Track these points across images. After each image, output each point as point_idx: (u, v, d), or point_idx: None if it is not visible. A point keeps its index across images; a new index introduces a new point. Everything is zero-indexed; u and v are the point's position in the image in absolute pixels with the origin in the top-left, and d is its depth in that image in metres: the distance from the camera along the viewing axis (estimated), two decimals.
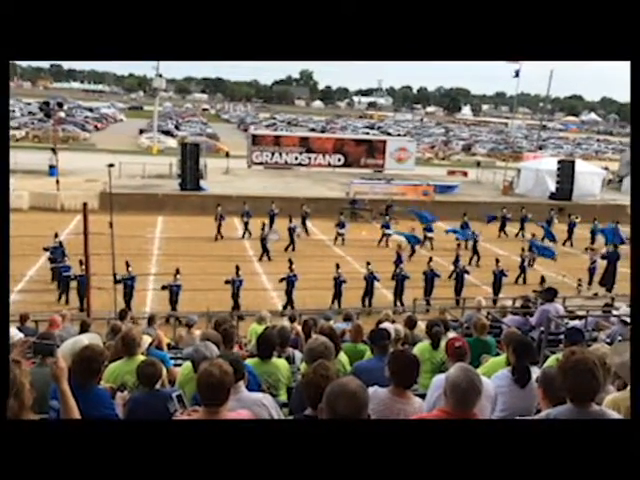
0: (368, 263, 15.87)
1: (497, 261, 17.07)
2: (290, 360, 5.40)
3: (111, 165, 15.17)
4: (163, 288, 14.08)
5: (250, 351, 6.49)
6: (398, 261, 16.76)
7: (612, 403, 2.88)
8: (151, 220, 23.41)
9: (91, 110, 70.55)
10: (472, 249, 20.14)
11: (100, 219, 14.83)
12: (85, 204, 13.22)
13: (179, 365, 5.39)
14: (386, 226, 21.75)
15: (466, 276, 16.79)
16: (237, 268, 14.75)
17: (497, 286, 16.60)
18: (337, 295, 15.33)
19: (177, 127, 59.71)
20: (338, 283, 15.31)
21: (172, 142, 43.56)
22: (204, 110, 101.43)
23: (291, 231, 20.36)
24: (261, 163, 33.82)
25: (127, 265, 13.79)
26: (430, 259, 16.79)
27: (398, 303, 15.76)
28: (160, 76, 42.29)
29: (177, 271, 14.26)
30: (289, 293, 15.09)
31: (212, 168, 30.30)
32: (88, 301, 13.18)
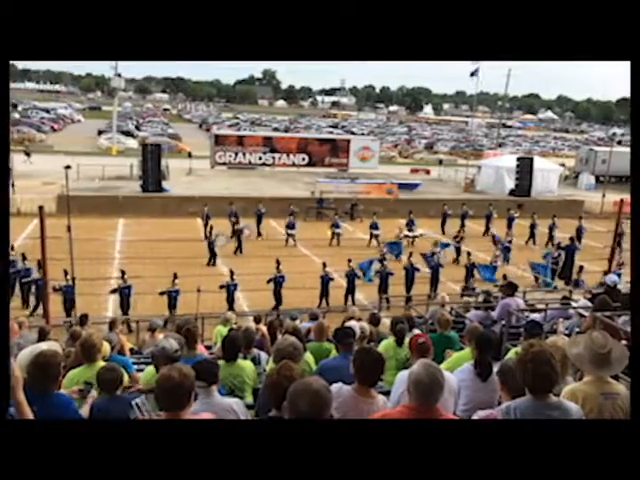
0: (349, 260, 16.09)
1: (469, 254, 17.85)
2: (256, 361, 5.35)
3: (68, 167, 14.75)
4: (161, 294, 13.80)
5: (215, 353, 6.41)
6: (383, 258, 17.11)
7: (570, 394, 2.95)
8: (111, 223, 22.90)
9: (47, 111, 68.52)
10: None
11: (58, 222, 14.41)
12: (41, 207, 12.80)
13: (142, 370, 5.28)
14: (336, 225, 21.85)
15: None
16: (231, 272, 14.65)
17: (468, 279, 17.16)
18: (324, 293, 15.47)
19: (137, 127, 58.66)
20: (325, 281, 15.48)
21: (132, 143, 42.77)
22: (165, 110, 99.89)
23: (238, 233, 19.97)
24: (224, 163, 33.51)
25: (65, 274, 13.41)
26: (410, 254, 17.06)
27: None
28: (119, 75, 41.47)
29: (175, 276, 14.06)
30: (277, 294, 15.01)
31: (174, 169, 29.88)
32: (46, 307, 12.79)
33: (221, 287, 14.57)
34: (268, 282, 15.05)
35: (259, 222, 22.21)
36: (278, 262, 15.29)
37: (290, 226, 21.33)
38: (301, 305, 13.68)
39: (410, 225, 22.17)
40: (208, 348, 7.62)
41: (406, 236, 21.38)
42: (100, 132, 51.04)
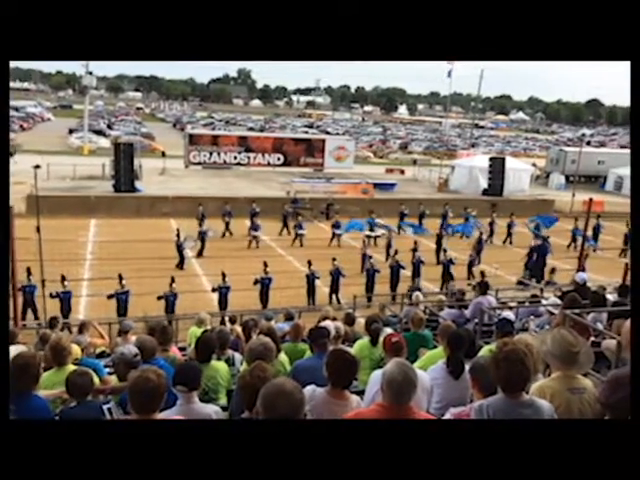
0: (334, 259, 16.17)
1: (445, 250, 18.23)
2: (230, 362, 5.32)
3: (37, 166, 14.43)
4: (159, 298, 13.48)
5: (189, 355, 6.35)
6: (366, 256, 17.27)
7: (539, 390, 2.99)
8: (83, 223, 22.48)
9: (16, 109, 66.79)
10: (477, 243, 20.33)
11: (28, 223, 14.07)
12: (10, 208, 12.48)
13: (113, 373, 5.19)
14: (336, 225, 21.81)
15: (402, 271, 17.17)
16: (223, 275, 14.40)
17: (445, 274, 17.40)
18: (311, 292, 15.51)
19: (110, 126, 57.73)
20: (311, 280, 15.49)
21: (104, 142, 42.07)
22: (138, 109, 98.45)
23: (202, 235, 19.55)
24: (199, 163, 33.22)
25: (28, 273, 13.10)
26: (396, 252, 17.16)
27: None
28: (90, 74, 40.74)
29: (172, 279, 13.84)
30: (263, 295, 14.85)
31: (148, 168, 29.49)
32: (15, 310, 12.48)
33: (213, 290, 14.38)
34: (255, 283, 14.87)
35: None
36: (265, 264, 15.13)
37: (254, 228, 20.94)
38: (283, 305, 13.59)
39: (371, 225, 22.13)
40: (182, 350, 7.55)
41: (367, 236, 21.21)
42: (71, 131, 50.14)
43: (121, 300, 13.33)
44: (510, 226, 23.45)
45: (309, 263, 15.75)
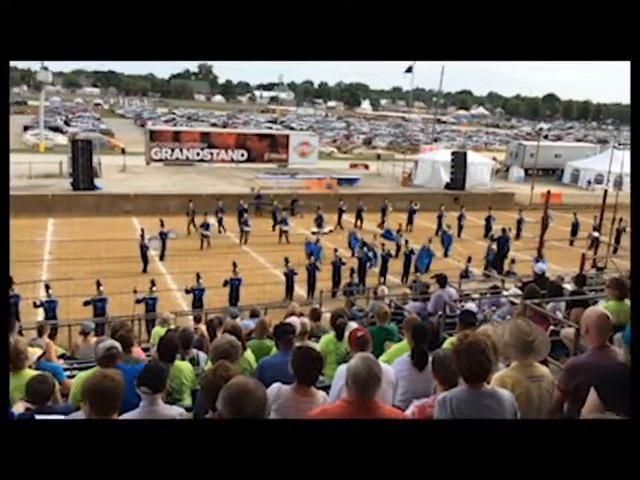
0: (286, 259, 16.05)
1: (406, 242, 18.27)
2: (194, 362, 5.25)
3: None
4: (138, 302, 13.01)
5: (152, 355, 6.23)
6: (309, 251, 17.30)
7: (500, 380, 3.05)
8: (40, 223, 21.81)
9: None
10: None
11: None
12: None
13: (74, 376, 5.06)
14: (284, 222, 21.72)
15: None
16: (197, 276, 14.09)
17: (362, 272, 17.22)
18: (290, 287, 15.55)
19: (67, 123, 56.19)
20: (290, 277, 15.51)
21: (62, 139, 40.93)
22: (97, 105, 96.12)
23: (163, 237, 18.82)
24: (161, 160, 32.62)
25: None
26: (335, 250, 17.21)
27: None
28: (46, 69, 39.57)
29: (152, 283, 13.51)
30: (233, 296, 14.61)
31: (107, 166, 28.84)
32: None
33: (187, 292, 14.08)
34: (224, 285, 14.64)
35: (192, 221, 21.56)
36: (235, 264, 14.93)
37: (204, 226, 20.43)
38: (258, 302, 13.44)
39: (319, 221, 22.08)
40: (145, 350, 7.41)
41: (313, 233, 21.21)
42: (26, 128, 48.49)
43: (98, 307, 12.75)
44: (460, 218, 23.84)
45: (286, 260, 15.72)
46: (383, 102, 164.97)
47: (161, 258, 18.83)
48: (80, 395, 4.08)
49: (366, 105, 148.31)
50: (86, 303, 12.65)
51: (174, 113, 79.44)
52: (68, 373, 5.66)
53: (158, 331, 8.09)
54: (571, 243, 22.97)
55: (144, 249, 17.66)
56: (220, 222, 21.95)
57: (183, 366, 4.74)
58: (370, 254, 17.45)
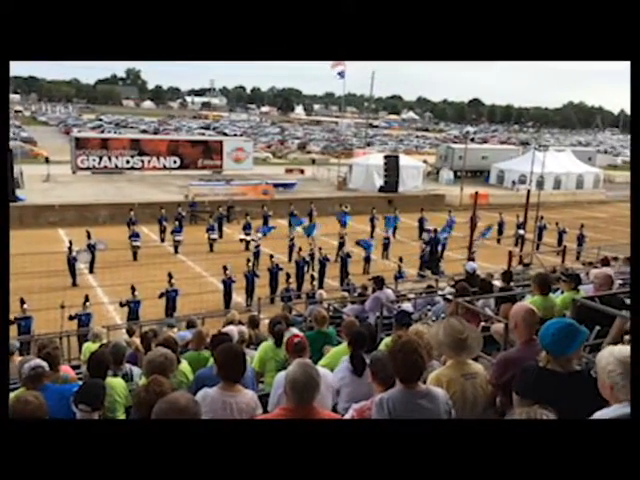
0: (248, 260, 16.27)
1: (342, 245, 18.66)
2: (127, 377, 5.05)
3: None
4: (71, 318, 12.25)
5: (83, 373, 5.94)
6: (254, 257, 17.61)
7: (435, 379, 3.11)
8: None
9: None
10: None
11: None
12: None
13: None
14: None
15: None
16: (132, 289, 13.58)
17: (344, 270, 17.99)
18: (228, 295, 15.46)
19: None
20: (228, 284, 15.42)
21: None
22: (17, 112, 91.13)
23: (91, 248, 18.00)
24: (88, 168, 31.39)
25: None
26: (271, 256, 17.18)
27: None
28: None
29: (86, 298, 12.84)
30: (169, 309, 14.13)
31: (30, 175, 27.46)
32: None
33: (122, 305, 13.54)
34: (160, 297, 14.17)
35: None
36: (170, 275, 14.50)
37: (134, 235, 19.82)
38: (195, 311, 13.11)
39: (247, 229, 21.80)
40: (75, 368, 7.07)
41: (241, 240, 21.22)
42: None
43: (22, 326, 12.07)
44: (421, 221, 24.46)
45: (224, 268, 15.58)
46: (316, 107, 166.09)
47: (91, 271, 18.06)
48: None
49: (299, 110, 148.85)
50: (10, 323, 11.89)
51: (101, 120, 76.57)
52: None
53: (89, 347, 7.72)
54: (498, 241, 23.96)
55: (72, 262, 16.91)
56: (163, 231, 21.44)
57: (115, 383, 4.54)
58: (307, 259, 17.58)
